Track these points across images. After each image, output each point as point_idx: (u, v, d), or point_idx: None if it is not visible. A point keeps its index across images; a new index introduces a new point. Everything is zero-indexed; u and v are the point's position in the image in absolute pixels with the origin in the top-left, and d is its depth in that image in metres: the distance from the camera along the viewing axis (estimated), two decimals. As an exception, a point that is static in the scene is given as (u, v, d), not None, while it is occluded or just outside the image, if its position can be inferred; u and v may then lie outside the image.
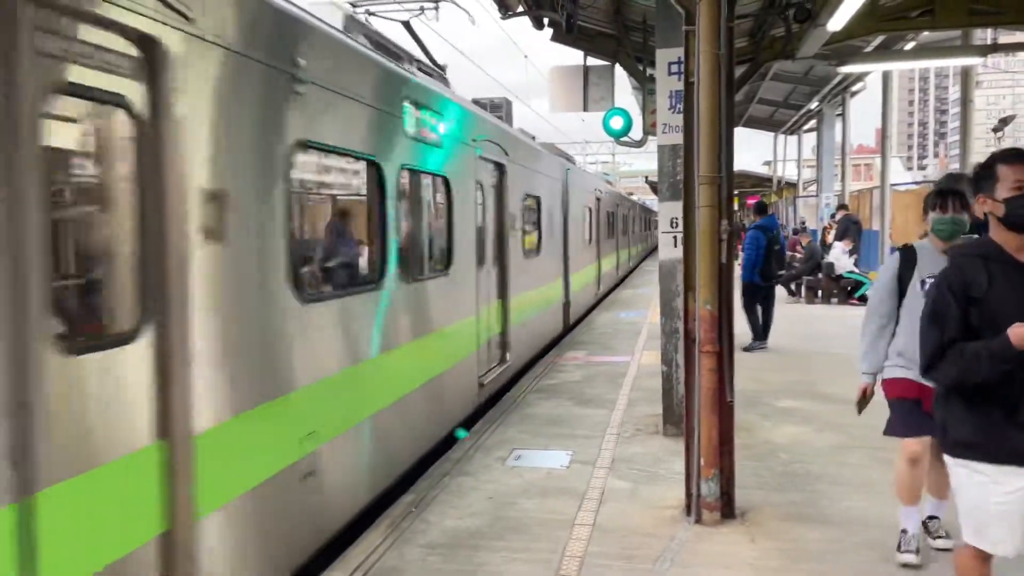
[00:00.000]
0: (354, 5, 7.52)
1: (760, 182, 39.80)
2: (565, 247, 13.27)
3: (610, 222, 21.24)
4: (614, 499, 5.30)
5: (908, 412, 4.26)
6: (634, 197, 38.14)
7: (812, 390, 8.43)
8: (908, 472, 4.31)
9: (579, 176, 15.69)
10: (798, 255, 18.38)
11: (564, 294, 13.11)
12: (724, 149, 4.80)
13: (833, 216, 20.70)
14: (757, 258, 10.87)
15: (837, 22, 8.47)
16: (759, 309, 11.25)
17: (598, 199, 18.23)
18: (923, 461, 4.27)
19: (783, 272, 11.18)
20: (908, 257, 4.34)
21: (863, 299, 16.08)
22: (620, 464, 6.05)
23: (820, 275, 16.79)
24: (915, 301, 4.07)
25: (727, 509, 4.87)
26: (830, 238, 19.96)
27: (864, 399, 4.55)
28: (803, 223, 23.36)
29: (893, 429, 4.39)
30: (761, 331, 11.23)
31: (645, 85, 11.18)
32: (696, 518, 4.82)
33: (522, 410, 7.84)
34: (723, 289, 4.84)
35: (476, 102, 9.72)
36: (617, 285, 22.70)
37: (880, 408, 7.41)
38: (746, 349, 10.74)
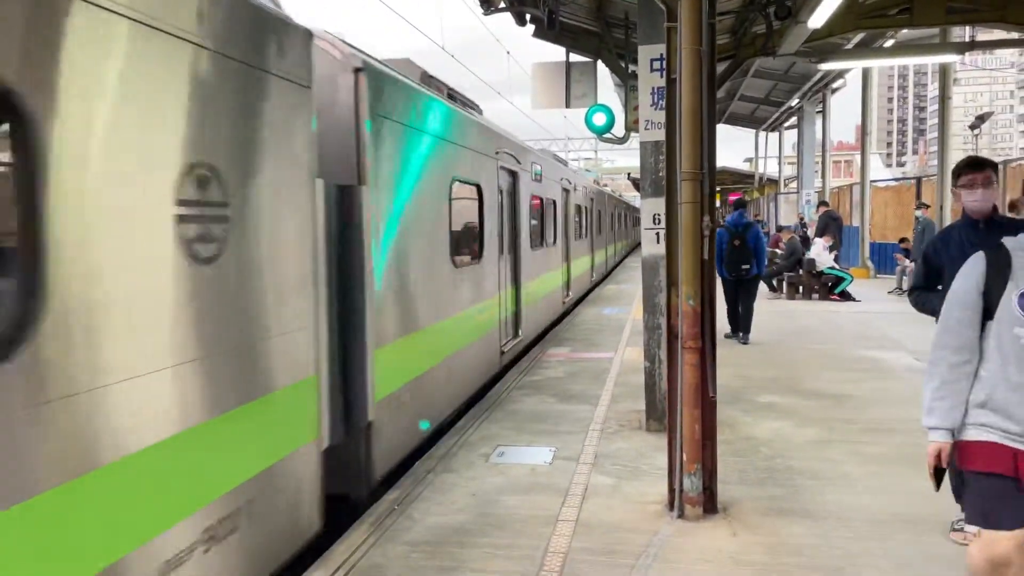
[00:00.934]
0: None
1: (741, 178, 40.05)
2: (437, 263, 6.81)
3: (561, 222, 14.92)
4: (597, 495, 5.31)
5: (999, 494, 2.91)
6: (607, 189, 33.33)
7: (794, 386, 8.49)
8: None
9: (446, 121, 7.22)
10: (779, 251, 18.51)
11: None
12: (706, 145, 4.82)
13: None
14: (717, 255, 11.11)
15: (817, 19, 8.54)
16: (737, 302, 11.53)
17: (510, 176, 10.37)
18: (1015, 565, 2.88)
19: (747, 266, 11.26)
20: (999, 261, 2.97)
21: (844, 295, 16.23)
22: (603, 460, 6.06)
23: (801, 271, 16.91)
24: (1010, 326, 2.89)
25: (709, 504, 4.90)
26: (808, 232, 20.14)
27: (940, 468, 3.08)
28: (802, 221, 23.25)
29: (974, 515, 3.00)
30: (734, 322, 11.57)
31: (627, 82, 11.19)
32: (679, 513, 4.84)
33: (505, 406, 7.84)
34: (705, 285, 4.87)
35: None
36: (563, 317, 15.00)
37: (864, 403, 7.55)
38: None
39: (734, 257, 11.23)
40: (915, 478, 5.53)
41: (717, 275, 11.07)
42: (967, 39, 16.83)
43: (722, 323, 10.64)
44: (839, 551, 4.37)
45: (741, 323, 11.50)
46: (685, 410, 4.84)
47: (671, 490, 4.97)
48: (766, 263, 13.85)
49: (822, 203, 20.78)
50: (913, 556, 4.29)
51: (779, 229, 21.42)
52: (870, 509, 4.96)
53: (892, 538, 4.53)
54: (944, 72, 17.15)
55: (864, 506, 5.01)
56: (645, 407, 6.95)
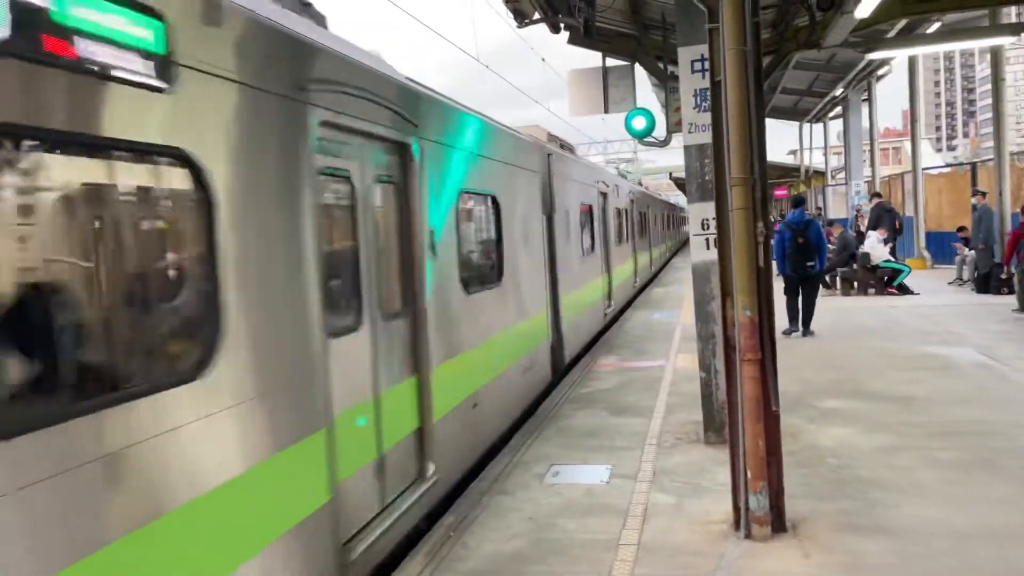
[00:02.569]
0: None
1: (786, 172, 39.26)
2: None
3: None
4: (658, 515, 5.13)
5: None
6: (655, 192, 31.46)
7: (855, 388, 8.19)
8: None
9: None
10: (832, 246, 18.03)
11: None
12: (756, 148, 4.63)
13: (862, 205, 20.22)
14: (780, 253, 11.45)
15: (864, 9, 8.24)
16: (799, 299, 11.79)
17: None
18: None
19: (811, 263, 11.45)
20: None
21: (901, 288, 15.74)
22: (662, 477, 5.87)
23: (855, 266, 16.44)
24: None
25: (777, 522, 4.68)
26: (862, 226, 19.59)
27: None
28: (857, 214, 22.56)
29: None
30: (793, 317, 11.84)
31: (667, 83, 11.01)
32: (745, 533, 4.64)
33: (557, 422, 7.69)
34: (762, 294, 4.66)
35: None
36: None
37: (933, 404, 7.23)
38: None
39: (799, 255, 11.38)
40: (994, 484, 5.26)
41: (779, 273, 11.47)
42: (1014, 18, 16.18)
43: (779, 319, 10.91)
44: (919, 570, 4.13)
45: (803, 318, 11.74)
46: (747, 425, 4.64)
47: (736, 509, 4.77)
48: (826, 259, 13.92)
49: (875, 195, 20.18)
50: (1000, 572, 4.04)
51: (829, 224, 20.87)
52: (949, 522, 4.70)
53: (974, 553, 4.28)
54: (996, 54, 16.54)
55: (942, 519, 4.75)
56: (703, 419, 6.73)
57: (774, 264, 11.60)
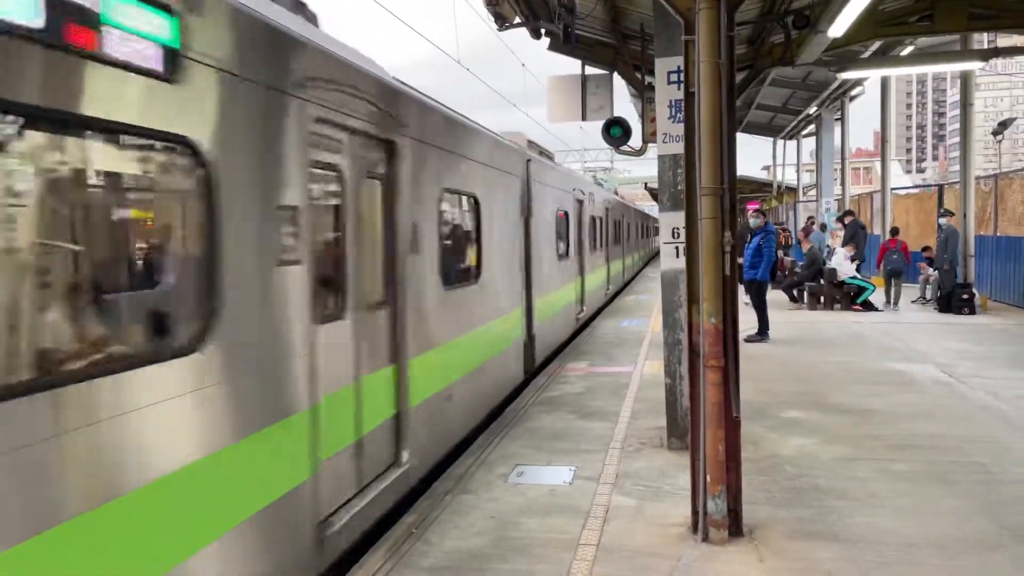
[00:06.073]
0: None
1: (760, 187, 39.71)
2: None
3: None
4: (619, 517, 5.19)
5: None
6: (630, 203, 32.07)
7: (817, 400, 8.33)
8: None
9: None
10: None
11: None
12: (726, 160, 4.72)
13: (840, 219, 20.51)
14: (768, 260, 12.15)
15: (837, 29, 8.41)
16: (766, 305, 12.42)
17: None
18: None
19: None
20: None
21: (866, 305, 16.01)
22: (624, 480, 5.94)
23: (822, 281, 16.70)
24: None
25: (734, 526, 4.77)
26: (836, 243, 19.90)
27: None
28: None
29: None
30: (766, 326, 12.44)
31: (644, 93, 11.11)
32: (703, 536, 4.72)
33: (524, 423, 7.74)
34: (727, 302, 4.75)
35: None
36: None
37: (891, 418, 7.38)
38: (748, 339, 11.91)
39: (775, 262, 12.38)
40: (946, 498, 5.39)
41: (754, 280, 12.15)
42: (987, 45, 16.55)
43: (751, 324, 11.82)
44: (870, 577, 4.23)
45: (765, 323, 12.40)
46: (708, 430, 4.72)
47: (695, 512, 4.85)
48: None
49: (848, 213, 20.51)
50: (947, 582, 4.15)
51: (809, 220, 21.24)
52: (900, 531, 4.82)
53: (924, 563, 4.39)
54: (966, 79, 16.91)
55: (894, 528, 4.87)
56: (666, 424, 6.82)
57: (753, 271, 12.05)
